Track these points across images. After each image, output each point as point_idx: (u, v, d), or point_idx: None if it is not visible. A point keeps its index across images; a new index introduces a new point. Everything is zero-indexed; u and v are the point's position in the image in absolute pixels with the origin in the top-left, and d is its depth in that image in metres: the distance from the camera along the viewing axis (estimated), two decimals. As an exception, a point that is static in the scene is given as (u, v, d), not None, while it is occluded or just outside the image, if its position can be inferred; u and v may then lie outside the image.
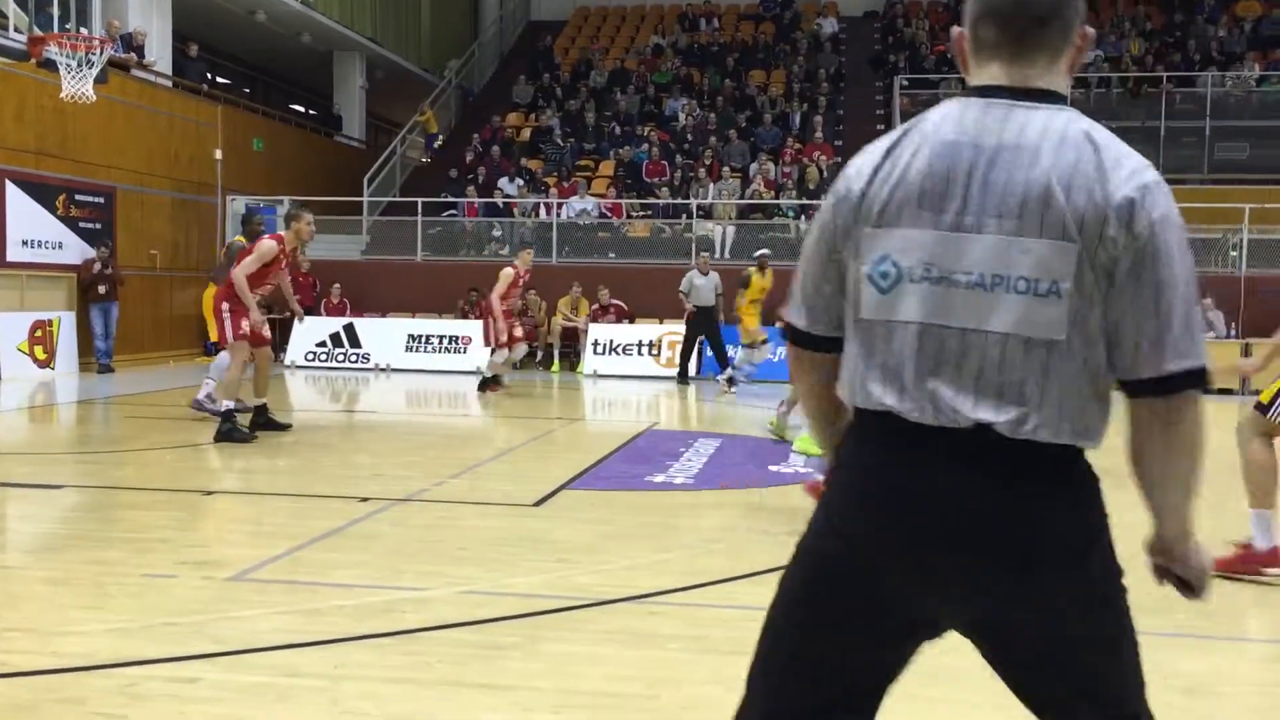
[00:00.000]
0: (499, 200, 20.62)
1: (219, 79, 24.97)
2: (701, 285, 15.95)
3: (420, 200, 19.96)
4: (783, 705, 1.94)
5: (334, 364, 17.74)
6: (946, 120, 1.84)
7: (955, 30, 1.93)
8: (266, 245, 9.45)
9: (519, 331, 14.38)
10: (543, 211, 20.14)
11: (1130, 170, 1.74)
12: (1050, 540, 1.78)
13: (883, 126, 22.95)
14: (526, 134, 23.67)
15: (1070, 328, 1.74)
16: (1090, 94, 22.25)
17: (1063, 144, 1.76)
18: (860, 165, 1.89)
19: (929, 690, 3.80)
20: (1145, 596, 2.05)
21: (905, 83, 22.78)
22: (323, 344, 17.97)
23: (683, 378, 16.30)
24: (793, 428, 9.10)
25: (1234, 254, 17.75)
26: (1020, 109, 1.80)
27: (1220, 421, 13.05)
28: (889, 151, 1.86)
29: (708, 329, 16.04)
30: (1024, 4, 1.82)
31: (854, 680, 1.93)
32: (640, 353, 17.29)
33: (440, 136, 25.00)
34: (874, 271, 1.83)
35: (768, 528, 6.33)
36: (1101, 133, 1.79)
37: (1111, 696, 1.85)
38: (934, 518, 1.78)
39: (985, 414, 1.76)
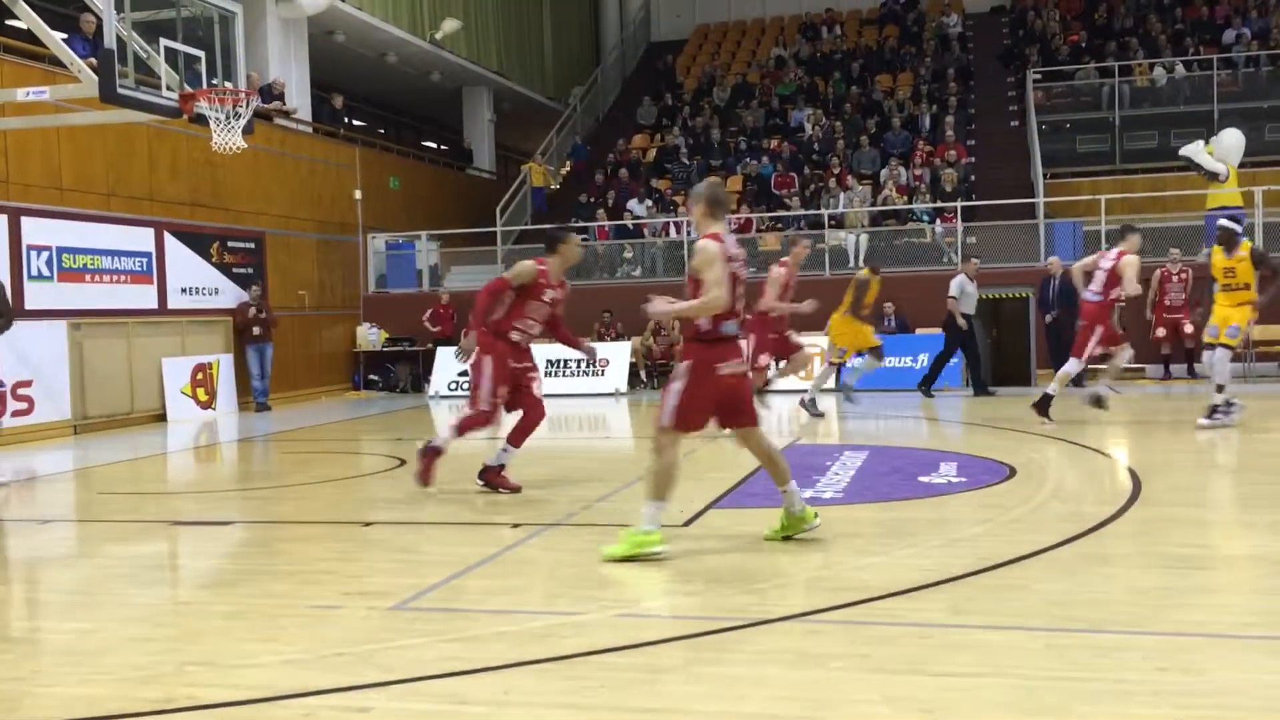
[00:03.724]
0: (629, 222, 20.79)
1: (354, 121, 25.86)
2: (973, 292, 14.88)
3: (551, 228, 20.16)
4: None
5: (477, 392, 18.08)
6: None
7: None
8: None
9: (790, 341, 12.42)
10: (673, 230, 20.22)
11: None
12: None
13: (1016, 123, 22.36)
14: (652, 154, 23.83)
15: None
16: (1238, 74, 21.30)
17: None
18: None
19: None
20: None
21: (1038, 76, 22.18)
22: (464, 373, 18.30)
23: (927, 388, 15.31)
24: None
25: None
26: None
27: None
28: None
29: (971, 339, 15.03)
30: None
31: None
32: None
33: (548, 188, 24.50)
34: None
35: (920, 541, 6.20)
36: None
37: None
38: None
39: None
